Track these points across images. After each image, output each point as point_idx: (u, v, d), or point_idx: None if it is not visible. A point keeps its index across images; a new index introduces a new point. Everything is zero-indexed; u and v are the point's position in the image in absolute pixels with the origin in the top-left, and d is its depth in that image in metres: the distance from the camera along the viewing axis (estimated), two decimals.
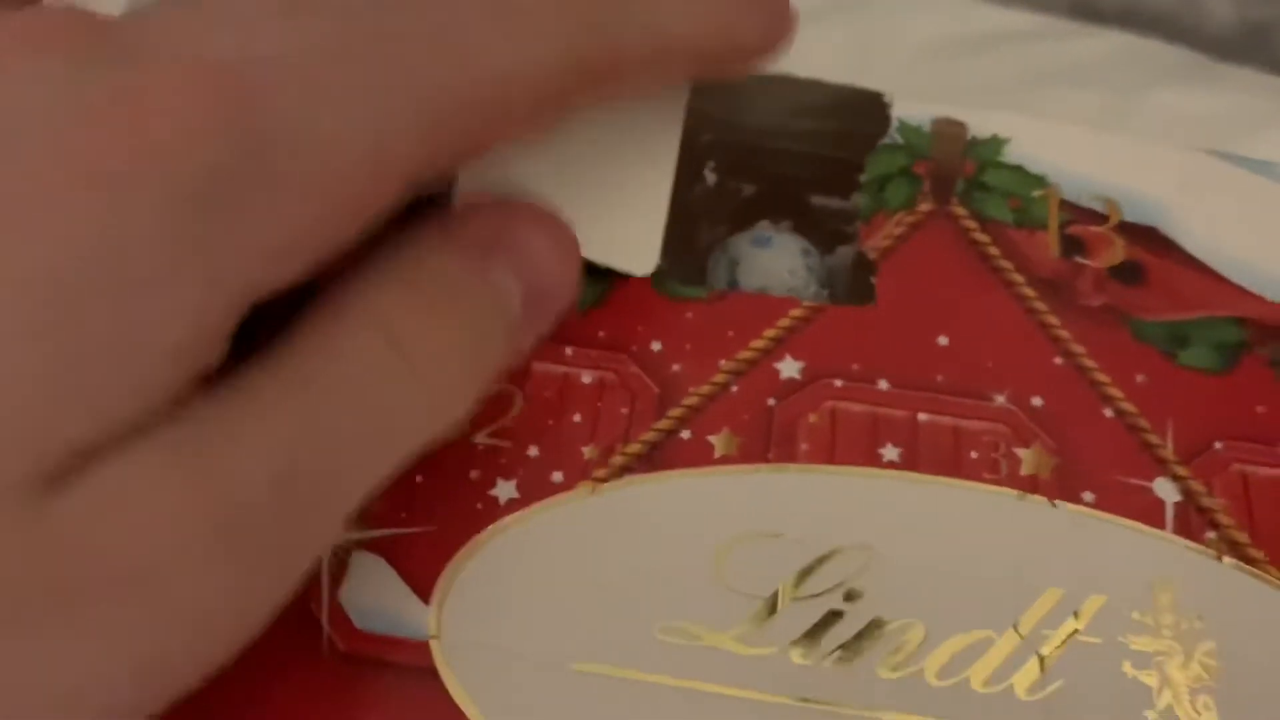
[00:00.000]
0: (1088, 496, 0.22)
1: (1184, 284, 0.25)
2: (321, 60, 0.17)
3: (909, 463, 0.23)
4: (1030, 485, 0.22)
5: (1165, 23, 0.29)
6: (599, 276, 0.24)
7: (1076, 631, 0.21)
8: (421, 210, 0.20)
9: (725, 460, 0.22)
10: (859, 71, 0.28)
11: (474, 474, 0.22)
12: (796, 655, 0.21)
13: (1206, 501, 0.22)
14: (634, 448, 0.23)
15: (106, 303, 0.15)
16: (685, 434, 0.23)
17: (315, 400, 0.18)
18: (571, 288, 0.22)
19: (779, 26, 0.22)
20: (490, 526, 0.22)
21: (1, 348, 0.15)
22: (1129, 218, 0.26)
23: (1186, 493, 0.22)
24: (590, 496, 0.22)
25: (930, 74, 0.28)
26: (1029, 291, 0.25)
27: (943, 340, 0.24)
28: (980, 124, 0.27)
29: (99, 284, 0.15)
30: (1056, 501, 0.22)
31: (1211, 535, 0.22)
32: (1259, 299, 0.25)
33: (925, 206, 0.26)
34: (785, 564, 0.21)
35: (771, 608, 0.21)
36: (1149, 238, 0.26)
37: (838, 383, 0.23)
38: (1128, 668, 0.21)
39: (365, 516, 0.21)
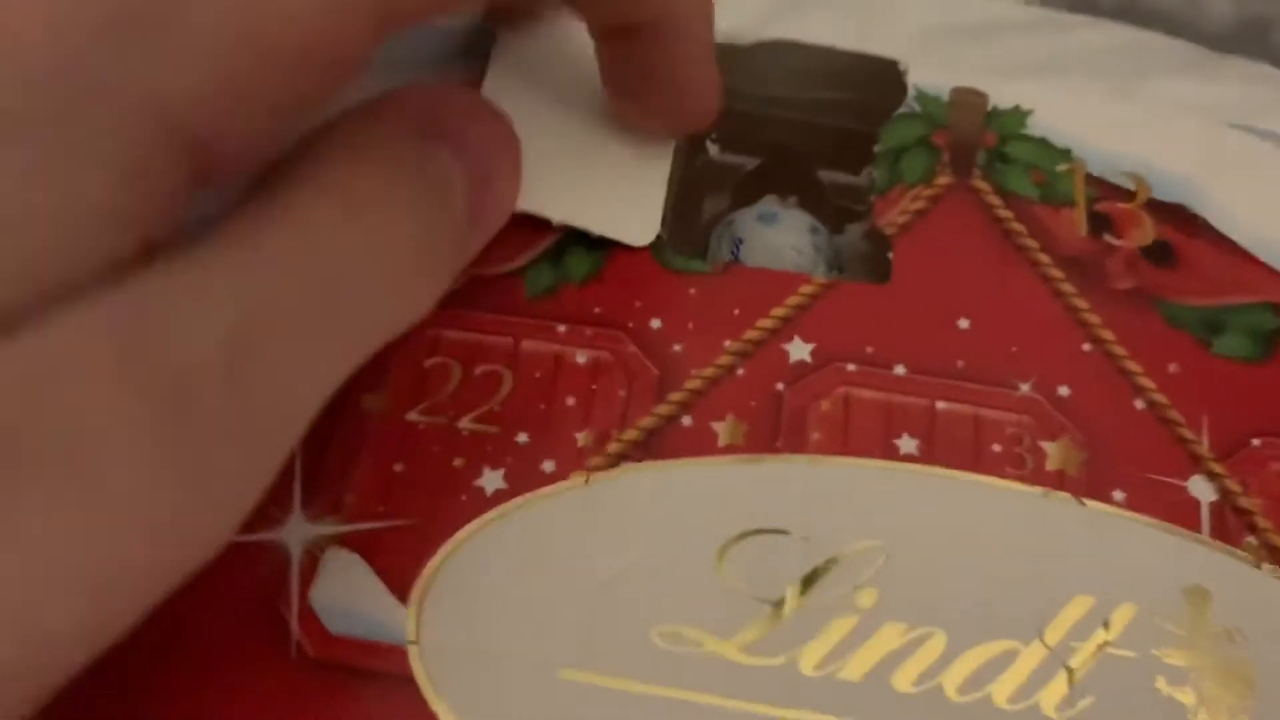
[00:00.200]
0: (1118, 495, 0.21)
1: (1216, 266, 0.24)
2: None
3: (927, 455, 0.21)
4: (1057, 482, 0.21)
5: (1163, 18, 0.28)
6: (594, 247, 0.23)
7: (1107, 643, 0.19)
8: None
9: (730, 449, 0.21)
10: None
11: (458, 462, 0.20)
12: (806, 665, 0.19)
13: (1244, 502, 0.21)
14: (631, 435, 0.21)
15: (24, 145, 0.14)
16: (687, 420, 0.21)
17: (267, 268, 0.16)
18: (514, 183, 0.21)
19: None
20: (475, 520, 0.20)
21: None
22: (1157, 195, 0.24)
23: (1223, 492, 0.21)
24: (584, 488, 0.20)
25: (928, 58, 0.26)
26: (1056, 272, 0.23)
27: (963, 323, 0.22)
28: (1001, 95, 0.26)
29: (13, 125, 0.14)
30: (1085, 500, 0.21)
31: (1250, 540, 0.21)
32: None
33: (944, 180, 0.24)
34: (793, 564, 0.20)
35: (778, 612, 0.19)
36: (1177, 215, 0.24)
37: (851, 367, 0.22)
38: (1162, 684, 0.19)
39: (338, 508, 0.20)
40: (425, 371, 0.21)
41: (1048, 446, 0.21)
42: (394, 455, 0.20)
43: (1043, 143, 0.25)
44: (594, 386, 0.21)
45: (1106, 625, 0.20)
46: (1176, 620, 0.20)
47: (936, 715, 0.19)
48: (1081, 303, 0.23)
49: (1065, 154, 0.25)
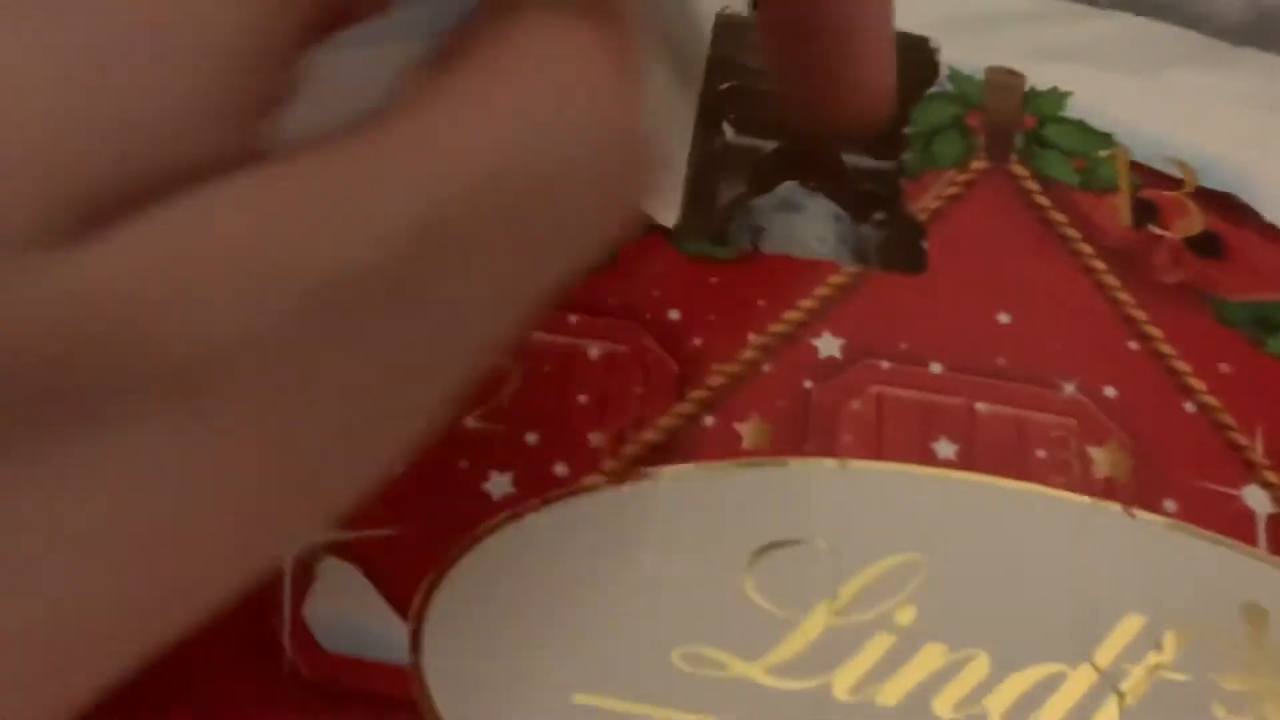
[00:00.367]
0: (1169, 505, 0.19)
1: (1267, 258, 0.22)
2: None
3: (967, 461, 0.20)
4: (1105, 490, 0.19)
5: (1172, 10, 0.27)
6: None
7: (1160, 666, 0.18)
8: None
9: (755, 452, 0.19)
10: None
11: (463, 464, 0.19)
12: (840, 689, 0.18)
13: None
14: (649, 435, 0.19)
15: None
16: (709, 421, 0.20)
17: (454, 154, 0.12)
18: None
19: None
20: (481, 527, 0.18)
21: None
22: (1204, 183, 0.23)
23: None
24: (598, 493, 0.19)
25: (956, 39, 0.25)
26: (1098, 264, 0.22)
27: (1003, 318, 0.21)
28: (1038, 75, 0.24)
29: None
30: (1135, 511, 0.19)
31: None
32: None
33: (980, 164, 0.23)
34: (824, 578, 0.18)
35: (809, 631, 0.18)
36: (1226, 205, 0.23)
37: (884, 364, 0.20)
38: (1220, 712, 0.18)
39: None
40: None
41: (1094, 452, 0.20)
42: None
43: (1082, 126, 0.24)
44: (609, 383, 0.20)
45: (1159, 647, 0.18)
46: (1233, 641, 0.18)
47: None
48: (1127, 297, 0.21)
49: (1107, 138, 0.23)
